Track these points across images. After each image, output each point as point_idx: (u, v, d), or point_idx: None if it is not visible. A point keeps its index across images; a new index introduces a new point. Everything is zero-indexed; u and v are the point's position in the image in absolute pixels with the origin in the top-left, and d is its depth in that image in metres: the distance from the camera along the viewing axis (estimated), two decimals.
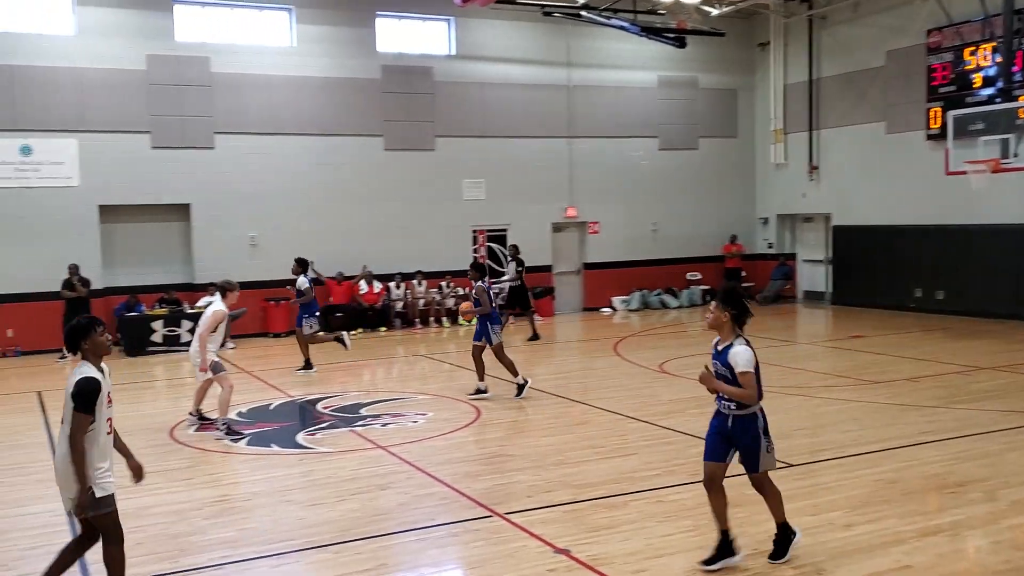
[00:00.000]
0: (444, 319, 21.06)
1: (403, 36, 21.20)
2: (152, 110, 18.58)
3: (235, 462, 9.53)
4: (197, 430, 10.75)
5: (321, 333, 15.39)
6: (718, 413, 6.09)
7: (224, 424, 10.48)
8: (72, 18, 18.07)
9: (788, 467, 8.42)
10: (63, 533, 7.30)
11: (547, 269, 22.92)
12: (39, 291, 17.41)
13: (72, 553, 5.71)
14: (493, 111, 21.79)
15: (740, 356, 5.84)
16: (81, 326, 5.47)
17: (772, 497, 6.15)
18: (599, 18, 19.99)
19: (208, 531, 7.31)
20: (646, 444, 9.66)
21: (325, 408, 11.96)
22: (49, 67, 17.74)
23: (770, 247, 24.94)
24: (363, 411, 11.69)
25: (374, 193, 20.59)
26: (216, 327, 10.46)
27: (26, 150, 17.65)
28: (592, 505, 7.61)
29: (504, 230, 22.42)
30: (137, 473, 5.82)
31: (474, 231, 22.03)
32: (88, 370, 5.38)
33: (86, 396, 5.29)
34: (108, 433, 5.49)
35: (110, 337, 5.68)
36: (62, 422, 5.41)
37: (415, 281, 20.84)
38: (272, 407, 12.18)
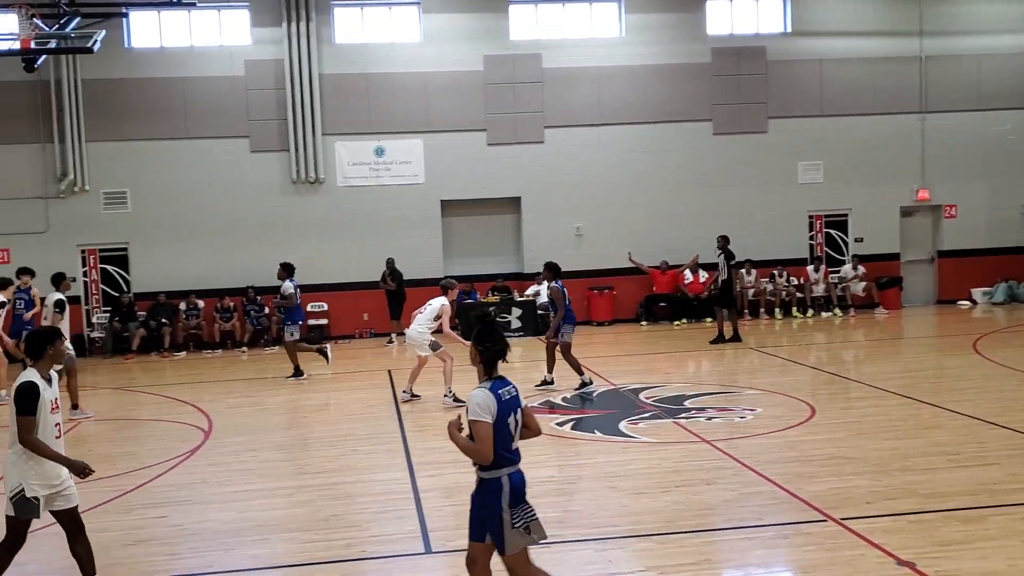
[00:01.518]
0: (776, 310, 20.09)
1: (734, 17, 20.51)
2: (488, 109, 19.58)
3: (560, 445, 9.67)
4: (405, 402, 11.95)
5: (303, 343, 14.95)
6: None
7: (450, 393, 11.55)
8: (418, 26, 19.55)
9: None
10: (408, 500, 7.83)
11: (894, 258, 21.07)
12: None
13: (73, 546, 5.88)
14: (832, 88, 20.41)
15: (471, 401, 4.79)
16: (48, 334, 5.79)
17: None
18: None
19: (536, 509, 7.42)
20: (1010, 454, 8.49)
21: (648, 398, 11.83)
22: (398, 73, 19.33)
23: None
24: (687, 403, 11.40)
25: (701, 179, 20.17)
26: (442, 316, 11.80)
27: (379, 151, 19.41)
28: (943, 517, 6.83)
29: (844, 215, 20.98)
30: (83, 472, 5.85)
31: (810, 216, 20.81)
32: (30, 375, 5.61)
33: (26, 399, 5.49)
34: (57, 437, 5.68)
35: (66, 350, 5.89)
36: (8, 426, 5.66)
37: (744, 270, 20.10)
38: (595, 394, 12.27)
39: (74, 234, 18.67)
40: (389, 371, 14.85)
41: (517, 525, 4.83)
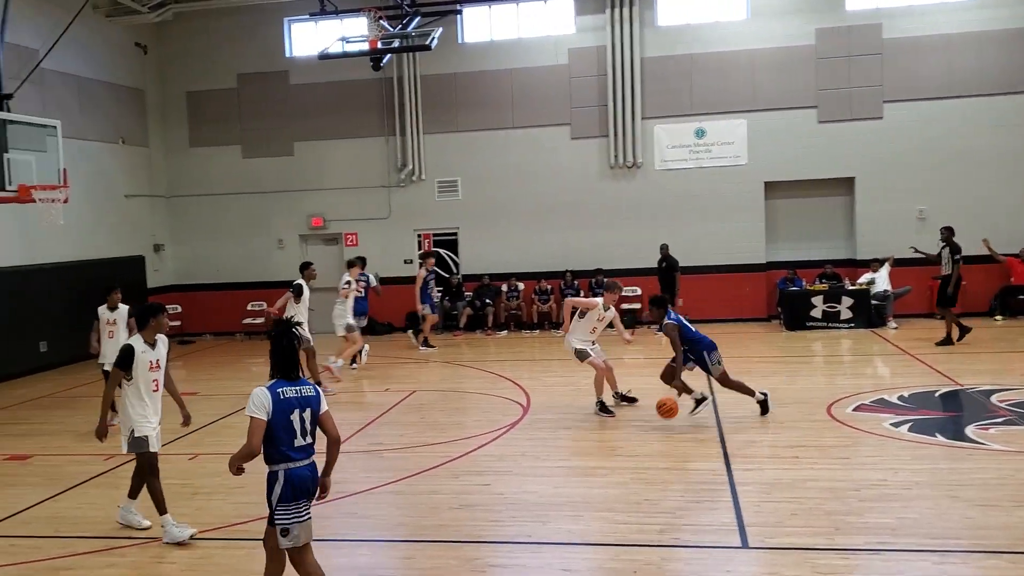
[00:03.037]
0: None
1: None
2: (820, 84, 18.42)
3: (895, 447, 8.83)
4: (620, 400, 11.28)
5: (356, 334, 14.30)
6: None
7: (600, 403, 10.91)
8: (745, 3, 18.80)
9: None
10: (724, 492, 7.53)
11: None
12: (708, 264, 18.71)
13: (145, 484, 7.02)
14: None
15: (249, 399, 5.08)
16: (153, 308, 7.02)
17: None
18: None
19: (865, 514, 6.92)
20: None
21: (1001, 401, 10.50)
22: (723, 52, 18.73)
23: None
24: None
25: None
26: (583, 315, 11.01)
27: (700, 133, 18.97)
28: None
29: None
30: (186, 421, 7.35)
31: None
32: (133, 341, 6.96)
33: (123, 357, 6.82)
34: (155, 391, 6.96)
35: (168, 323, 7.22)
36: None
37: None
38: (938, 394, 11.12)
39: (411, 220, 20.19)
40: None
41: (276, 523, 5.10)
